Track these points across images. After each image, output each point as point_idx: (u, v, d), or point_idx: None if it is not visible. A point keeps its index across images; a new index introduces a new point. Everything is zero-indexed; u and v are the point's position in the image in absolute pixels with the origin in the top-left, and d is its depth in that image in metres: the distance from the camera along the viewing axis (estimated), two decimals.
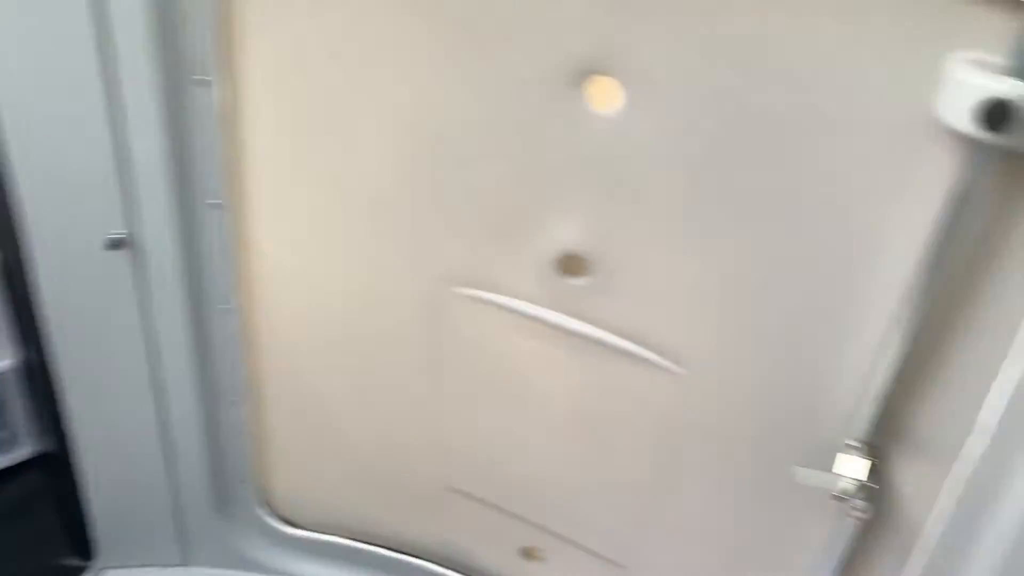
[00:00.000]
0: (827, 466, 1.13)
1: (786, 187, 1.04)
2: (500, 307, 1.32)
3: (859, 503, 1.11)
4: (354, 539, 1.73)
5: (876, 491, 1.11)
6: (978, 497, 1.01)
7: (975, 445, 0.99)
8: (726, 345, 1.19)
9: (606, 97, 1.09)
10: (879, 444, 1.11)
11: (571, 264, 1.25)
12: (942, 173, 0.91)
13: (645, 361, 1.25)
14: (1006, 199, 0.90)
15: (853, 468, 1.09)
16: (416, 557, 1.71)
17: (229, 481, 1.71)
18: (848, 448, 1.10)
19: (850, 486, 1.09)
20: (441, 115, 1.20)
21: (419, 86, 1.19)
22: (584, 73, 1.08)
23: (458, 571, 1.69)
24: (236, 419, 1.62)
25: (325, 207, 1.36)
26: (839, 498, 1.09)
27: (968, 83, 0.84)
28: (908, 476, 1.11)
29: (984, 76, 0.83)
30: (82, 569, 1.78)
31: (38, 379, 1.55)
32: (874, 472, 1.11)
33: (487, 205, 1.25)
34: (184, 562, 1.80)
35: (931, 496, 1.07)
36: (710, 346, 1.20)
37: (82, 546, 1.76)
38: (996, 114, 0.81)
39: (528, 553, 1.62)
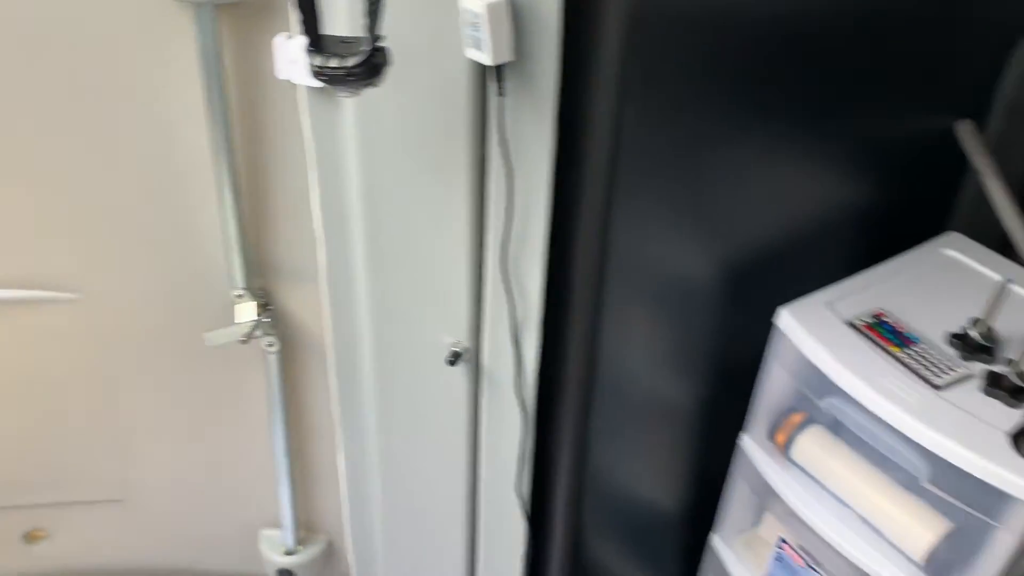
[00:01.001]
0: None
1: (86, 103, 1.11)
2: None
3: (266, 339, 1.28)
4: None
5: (275, 324, 1.29)
6: (339, 300, 1.21)
7: (321, 257, 1.20)
8: (103, 255, 1.25)
9: None
10: (261, 285, 1.28)
11: None
12: (189, 39, 1.05)
13: (44, 302, 1.26)
14: (237, 46, 1.07)
15: (246, 313, 1.25)
16: None
17: None
18: (238, 299, 1.25)
19: (249, 328, 1.25)
20: None
21: None
22: None
23: None
24: None
25: None
26: (245, 341, 1.24)
27: None
28: (296, 302, 1.30)
29: None
30: None
31: None
32: (267, 309, 1.28)
33: None
34: None
35: (320, 312, 1.27)
36: (90, 262, 1.25)
37: None
38: None
39: (31, 537, 1.57)
